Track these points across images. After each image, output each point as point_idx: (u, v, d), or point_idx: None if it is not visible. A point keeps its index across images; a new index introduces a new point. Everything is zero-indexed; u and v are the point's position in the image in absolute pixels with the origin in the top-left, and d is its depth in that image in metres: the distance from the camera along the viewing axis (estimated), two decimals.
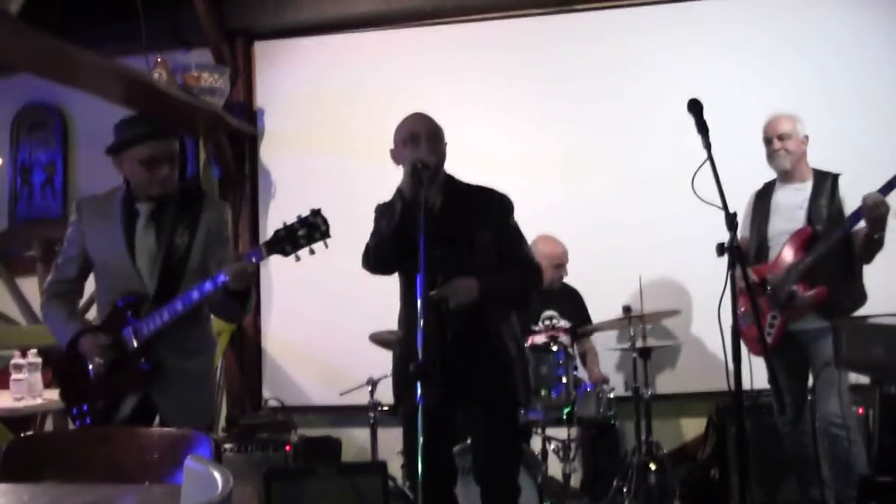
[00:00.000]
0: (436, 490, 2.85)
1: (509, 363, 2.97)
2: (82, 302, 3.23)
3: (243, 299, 2.90)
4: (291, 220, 2.78)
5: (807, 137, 3.85)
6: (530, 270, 3.08)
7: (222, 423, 5.06)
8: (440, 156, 2.98)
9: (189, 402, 2.95)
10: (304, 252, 2.76)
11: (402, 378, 2.95)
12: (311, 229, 2.74)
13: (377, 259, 2.94)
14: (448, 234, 2.86)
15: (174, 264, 2.93)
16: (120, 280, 2.95)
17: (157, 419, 2.96)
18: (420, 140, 2.95)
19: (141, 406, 2.93)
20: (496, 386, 2.93)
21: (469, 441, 3.28)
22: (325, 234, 2.76)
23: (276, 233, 2.77)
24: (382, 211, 3.01)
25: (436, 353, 2.64)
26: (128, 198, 2.98)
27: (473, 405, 2.97)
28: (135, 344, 2.89)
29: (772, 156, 3.85)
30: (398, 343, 3.06)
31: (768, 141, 3.85)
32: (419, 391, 2.43)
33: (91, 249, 3.00)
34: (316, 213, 2.77)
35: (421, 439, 2.41)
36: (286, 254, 2.76)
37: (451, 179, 3.05)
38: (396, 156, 3.04)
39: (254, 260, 2.79)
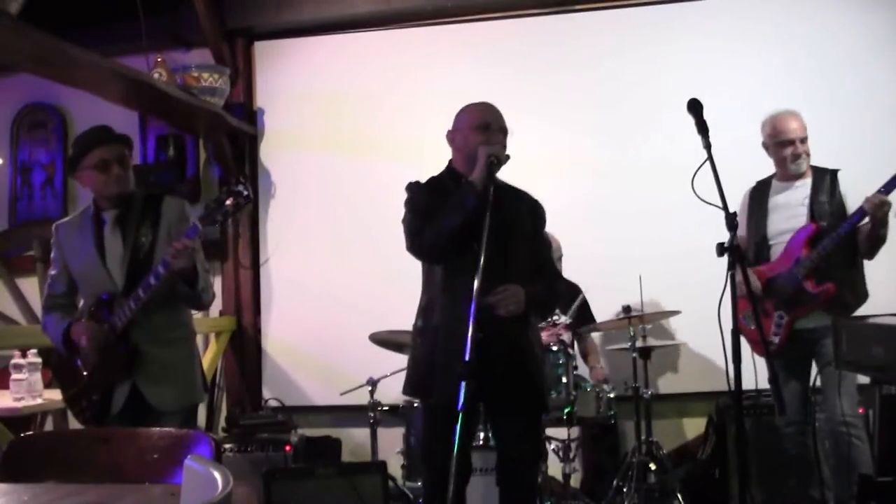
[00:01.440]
0: (455, 489, 2.83)
1: (538, 368, 2.96)
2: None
3: (191, 281, 3.08)
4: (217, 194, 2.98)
5: None
6: (559, 282, 3.15)
7: (222, 423, 5.06)
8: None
9: (172, 387, 3.17)
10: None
11: (430, 372, 2.86)
12: (236, 196, 2.89)
13: (438, 252, 2.86)
14: (491, 232, 2.77)
15: (140, 260, 3.15)
16: (95, 284, 3.19)
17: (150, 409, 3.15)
18: (492, 131, 2.93)
19: (132, 397, 3.13)
20: (528, 390, 2.90)
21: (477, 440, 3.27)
22: (248, 199, 2.92)
23: (206, 206, 2.96)
24: (431, 195, 2.92)
25: (476, 352, 2.56)
26: (95, 211, 3.26)
27: (503, 409, 2.93)
28: (112, 336, 3.11)
29: (793, 158, 3.78)
30: (421, 333, 2.97)
31: (786, 143, 3.79)
32: (462, 391, 2.40)
33: (70, 264, 3.26)
34: (237, 181, 2.93)
35: (458, 439, 2.40)
36: (218, 223, 2.99)
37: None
38: (459, 140, 2.98)
39: (190, 235, 2.94)
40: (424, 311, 2.98)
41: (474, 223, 2.69)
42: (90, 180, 3.20)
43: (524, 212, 3.02)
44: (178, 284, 3.08)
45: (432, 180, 3.00)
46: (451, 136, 3.02)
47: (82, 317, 3.21)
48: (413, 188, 2.99)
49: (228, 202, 2.89)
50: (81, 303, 3.33)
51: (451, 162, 3.06)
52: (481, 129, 2.93)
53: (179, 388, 3.20)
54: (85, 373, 3.19)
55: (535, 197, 3.09)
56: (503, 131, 2.99)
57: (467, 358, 2.44)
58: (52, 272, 3.33)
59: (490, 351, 2.72)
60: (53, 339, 3.26)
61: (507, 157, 2.90)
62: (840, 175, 3.77)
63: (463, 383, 2.42)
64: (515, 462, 2.91)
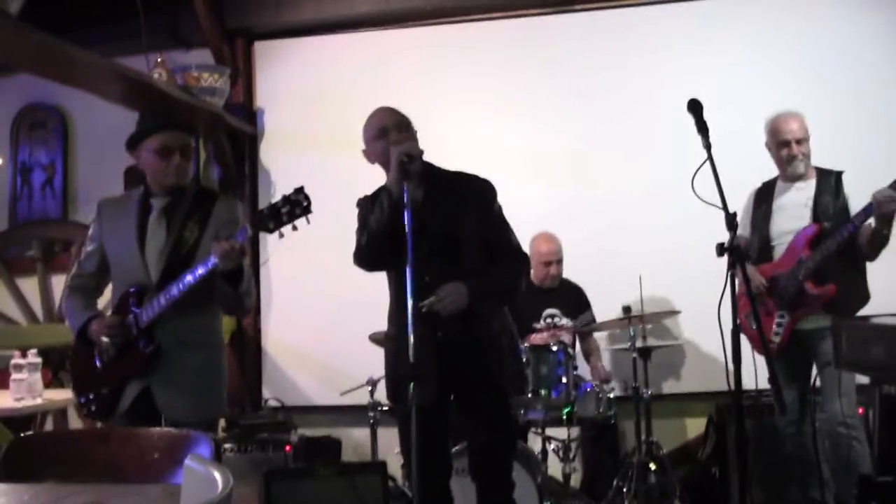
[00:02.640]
0: (432, 487, 2.87)
1: (500, 358, 2.94)
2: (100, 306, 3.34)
3: (235, 281, 2.95)
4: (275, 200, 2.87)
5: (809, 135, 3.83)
6: (517, 261, 3.03)
7: (222, 423, 5.06)
8: (418, 146, 2.91)
9: (188, 396, 2.98)
10: (287, 229, 2.84)
11: (395, 377, 2.95)
12: (293, 206, 2.81)
13: (369, 257, 2.92)
14: (432, 229, 2.82)
15: (181, 257, 3.01)
16: (129, 272, 3.06)
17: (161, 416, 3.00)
18: (389, 133, 2.90)
19: (141, 398, 2.99)
20: (488, 381, 2.90)
21: (466, 442, 3.27)
22: (306, 210, 2.81)
23: (260, 211, 2.86)
24: (366, 206, 2.96)
25: (429, 352, 2.64)
26: (144, 194, 3.13)
27: (467, 401, 2.95)
28: (135, 331, 2.99)
29: (790, 160, 3.79)
30: (390, 341, 3.04)
31: (782, 144, 3.80)
32: (411, 392, 2.43)
33: (107, 244, 3.14)
34: (298, 190, 2.84)
35: (415, 439, 2.43)
36: (270, 230, 2.83)
37: (430, 168, 2.98)
38: (369, 154, 2.99)
39: (240, 239, 2.86)
40: (390, 318, 3.07)
41: (397, 226, 2.67)
42: (148, 163, 3.08)
43: (469, 195, 2.96)
44: (220, 285, 2.94)
45: (378, 191, 2.97)
46: (365, 154, 3.02)
47: (115, 303, 3.08)
48: (359, 203, 3.04)
49: (284, 209, 2.80)
50: (110, 288, 3.19)
51: None
52: (381, 136, 2.92)
53: (197, 398, 3.01)
54: (99, 364, 3.08)
55: (484, 178, 3.02)
56: (403, 127, 2.93)
57: (412, 360, 2.47)
58: (88, 248, 3.19)
59: (452, 348, 2.82)
60: (72, 327, 3.16)
61: (421, 151, 2.85)
62: (844, 177, 3.76)
63: (412, 385, 2.46)
64: (484, 456, 2.94)
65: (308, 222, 2.83)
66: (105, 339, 3.02)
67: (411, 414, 2.53)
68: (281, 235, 2.82)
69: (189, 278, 2.90)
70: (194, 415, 2.92)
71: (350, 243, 3.00)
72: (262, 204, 5.31)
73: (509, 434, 3.07)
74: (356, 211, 3.04)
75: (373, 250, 2.87)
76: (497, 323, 2.98)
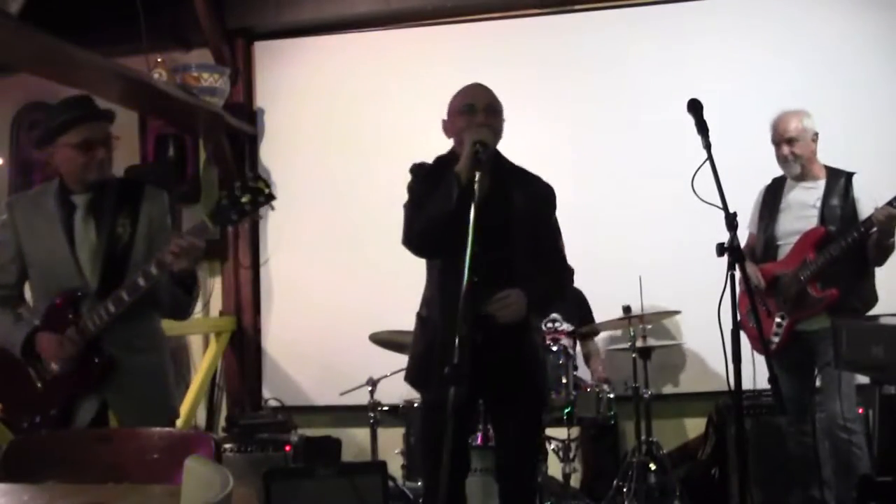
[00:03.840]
0: (449, 487, 2.83)
1: (540, 366, 2.92)
2: None
3: (189, 284, 2.76)
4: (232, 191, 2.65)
5: (817, 135, 3.79)
6: (565, 275, 2.97)
7: (222, 422, 5.06)
8: (498, 134, 2.80)
9: (144, 400, 2.83)
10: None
11: (427, 367, 2.78)
12: (254, 194, 2.61)
13: (426, 245, 2.74)
14: (492, 223, 2.63)
15: (117, 256, 2.79)
16: (60, 278, 2.80)
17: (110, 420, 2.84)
18: (477, 113, 2.76)
19: (104, 410, 2.82)
20: (528, 389, 2.85)
21: (474, 440, 3.27)
22: (269, 197, 2.62)
23: (218, 202, 2.63)
24: (423, 181, 2.77)
25: (467, 352, 2.49)
26: (62, 191, 2.84)
27: (504, 408, 2.87)
28: (82, 343, 2.75)
29: (781, 160, 3.80)
30: (424, 322, 2.87)
31: (777, 144, 3.80)
32: (451, 395, 2.34)
33: (26, 248, 2.85)
34: (256, 177, 2.68)
35: (447, 442, 2.35)
36: (234, 222, 2.67)
37: (498, 158, 2.84)
38: (448, 127, 2.84)
39: (199, 236, 2.64)
40: (427, 301, 2.89)
41: (461, 216, 2.49)
42: (66, 159, 2.79)
43: (533, 198, 2.84)
44: (171, 288, 2.73)
45: (437, 161, 2.83)
46: (444, 125, 2.89)
47: (43, 317, 2.81)
48: (414, 171, 2.84)
49: (245, 199, 2.59)
50: (30, 296, 2.93)
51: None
52: (465, 112, 2.78)
53: (153, 404, 2.85)
54: (39, 384, 2.80)
55: (547, 182, 2.94)
56: (492, 111, 2.81)
57: (456, 361, 2.38)
58: (3, 257, 2.87)
59: (489, 352, 2.67)
60: (9, 342, 2.83)
61: (496, 140, 2.75)
62: (855, 178, 3.72)
63: (452, 388, 2.35)
64: (515, 460, 2.88)
65: (272, 208, 2.67)
66: (54, 363, 2.75)
67: (440, 410, 2.42)
68: (240, 224, 2.63)
69: (140, 282, 2.67)
70: (154, 421, 2.58)
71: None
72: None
73: (539, 442, 3.04)
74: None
75: (431, 237, 2.68)
76: (535, 335, 2.92)
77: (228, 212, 2.61)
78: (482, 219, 2.51)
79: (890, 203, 3.42)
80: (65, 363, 2.75)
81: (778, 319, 3.76)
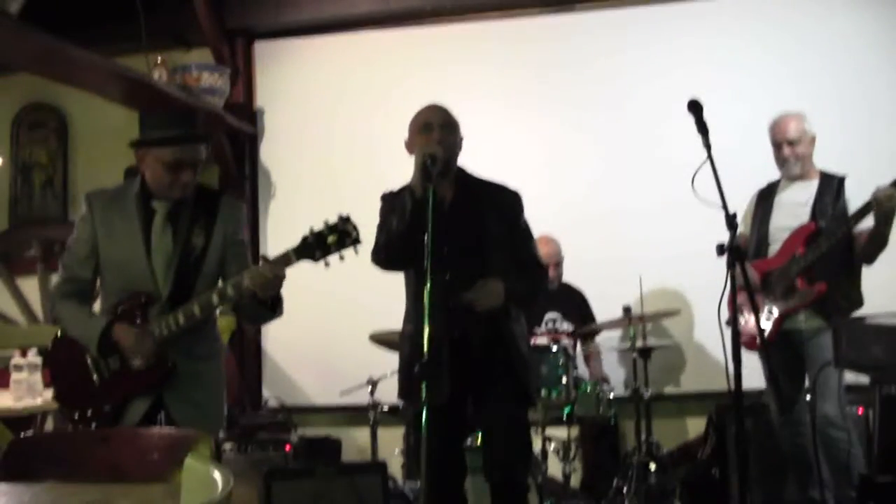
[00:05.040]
0: (445, 488, 2.85)
1: (523, 361, 2.96)
2: None
3: (273, 305, 2.87)
4: (319, 226, 2.74)
5: (814, 138, 3.83)
6: (541, 273, 3.10)
7: None
8: (452, 149, 2.93)
9: (202, 406, 2.86)
10: (332, 258, 2.75)
11: (408, 376, 2.92)
12: (341, 235, 2.70)
13: (388, 257, 2.91)
14: (458, 234, 2.82)
15: (190, 266, 2.83)
16: (133, 280, 2.82)
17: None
18: (433, 130, 2.90)
19: (153, 411, 2.82)
20: (511, 384, 2.91)
21: (473, 439, 3.26)
22: (355, 241, 2.71)
23: (305, 239, 2.73)
24: (390, 204, 2.95)
25: (443, 352, 2.57)
26: (143, 194, 2.86)
27: (487, 403, 2.93)
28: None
29: (781, 162, 3.83)
30: (406, 339, 3.01)
31: (777, 145, 3.83)
32: (424, 392, 2.41)
33: (103, 245, 2.85)
34: (346, 220, 2.73)
35: (426, 439, 2.40)
36: (315, 259, 2.75)
37: (463, 173, 3.01)
38: (409, 145, 2.99)
39: (281, 266, 2.74)
40: (406, 317, 3.03)
41: (419, 228, 2.63)
42: (154, 172, 2.79)
43: (498, 204, 2.98)
44: (256, 308, 2.81)
45: (403, 189, 2.95)
46: (406, 144, 3.01)
47: (113, 314, 2.83)
48: (383, 198, 3.03)
49: (331, 239, 2.68)
50: (101, 295, 2.94)
51: None
52: (424, 131, 2.92)
53: (209, 411, 2.88)
54: (97, 378, 2.83)
55: (513, 188, 3.05)
56: (448, 127, 2.93)
57: (426, 358, 2.44)
58: (80, 252, 2.86)
59: (472, 349, 2.81)
60: (84, 335, 2.81)
61: (448, 154, 2.85)
62: (847, 182, 3.78)
63: (424, 384, 2.43)
64: (503, 455, 2.91)
65: (356, 252, 2.74)
66: (136, 359, 2.76)
67: (421, 413, 2.49)
68: (327, 265, 2.75)
69: (215, 299, 2.75)
70: (206, 427, 2.68)
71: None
72: (263, 204, 5.34)
73: (527, 439, 3.06)
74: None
75: (391, 251, 2.87)
76: (517, 328, 2.98)
77: (313, 249, 2.71)
78: (454, 230, 2.71)
79: (893, 184, 3.43)
80: (145, 359, 2.76)
81: (766, 314, 3.77)
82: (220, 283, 2.89)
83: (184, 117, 2.90)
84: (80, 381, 2.85)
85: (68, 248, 2.93)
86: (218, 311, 3.01)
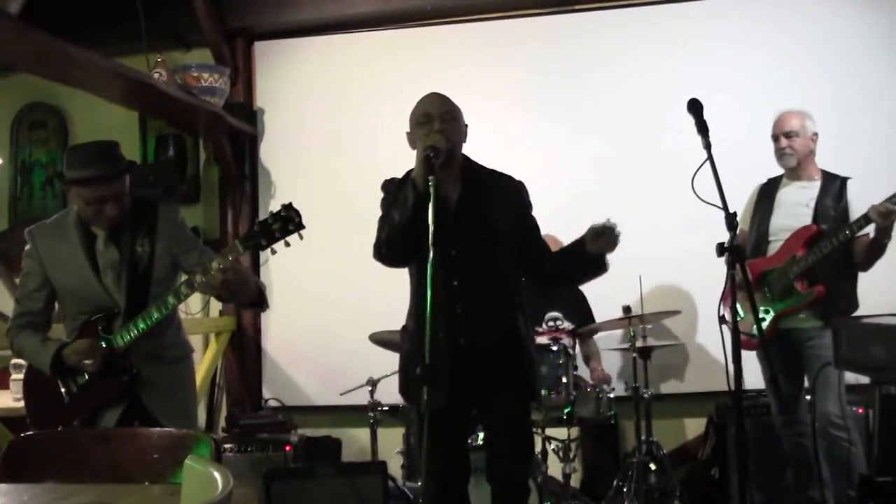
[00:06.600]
0: (449, 489, 2.82)
1: (530, 361, 2.92)
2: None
3: (256, 304, 3.03)
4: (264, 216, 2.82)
5: (816, 135, 3.83)
6: None
7: (222, 423, 5.06)
8: (454, 137, 2.82)
9: (179, 403, 3.03)
10: (279, 245, 2.79)
11: (409, 377, 2.88)
12: (284, 222, 2.73)
13: (390, 252, 2.80)
14: (468, 228, 2.76)
15: (140, 275, 2.95)
16: (88, 301, 2.96)
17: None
18: (433, 121, 2.79)
19: (125, 420, 2.93)
20: (518, 384, 2.87)
21: (475, 440, 3.25)
22: (298, 226, 2.74)
23: (250, 228, 2.81)
24: (392, 194, 2.84)
25: (444, 354, 2.55)
26: (81, 221, 2.99)
27: (492, 403, 2.88)
28: (111, 358, 2.91)
29: (778, 153, 3.85)
30: (407, 337, 2.95)
31: (776, 138, 3.85)
32: (425, 395, 2.39)
33: (53, 276, 3.00)
34: (288, 206, 2.77)
35: (427, 444, 2.39)
36: (262, 247, 2.80)
37: (469, 164, 2.91)
38: (411, 138, 2.88)
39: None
40: (409, 313, 2.97)
41: (421, 222, 2.56)
42: (78, 206, 2.95)
43: (506, 197, 2.91)
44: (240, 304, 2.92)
45: (407, 174, 2.86)
46: (408, 137, 2.92)
47: (74, 335, 2.97)
48: (384, 187, 2.93)
49: (276, 226, 2.73)
50: (64, 320, 3.08)
51: None
52: (423, 123, 2.81)
53: (183, 409, 3.03)
54: (67, 398, 2.95)
55: (518, 178, 2.99)
56: (449, 117, 2.83)
57: (428, 361, 2.42)
58: (29, 285, 3.03)
59: (476, 349, 2.76)
60: (39, 361, 2.97)
61: (450, 146, 2.77)
62: (850, 183, 3.77)
63: (425, 388, 2.42)
64: (506, 456, 2.88)
65: (301, 238, 2.77)
66: (87, 361, 2.88)
67: (424, 417, 2.47)
68: (273, 252, 2.80)
69: (171, 299, 2.85)
70: (183, 423, 2.86)
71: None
72: (263, 204, 5.34)
73: (530, 439, 3.04)
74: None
75: (393, 245, 2.76)
76: (523, 326, 2.93)
77: (258, 237, 2.75)
78: (463, 224, 2.66)
79: (889, 199, 3.43)
80: (95, 359, 2.87)
81: (762, 314, 3.77)
82: (177, 282, 2.99)
83: (106, 152, 2.95)
84: (51, 403, 2.98)
85: (20, 283, 3.10)
86: (200, 314, 3.12)
